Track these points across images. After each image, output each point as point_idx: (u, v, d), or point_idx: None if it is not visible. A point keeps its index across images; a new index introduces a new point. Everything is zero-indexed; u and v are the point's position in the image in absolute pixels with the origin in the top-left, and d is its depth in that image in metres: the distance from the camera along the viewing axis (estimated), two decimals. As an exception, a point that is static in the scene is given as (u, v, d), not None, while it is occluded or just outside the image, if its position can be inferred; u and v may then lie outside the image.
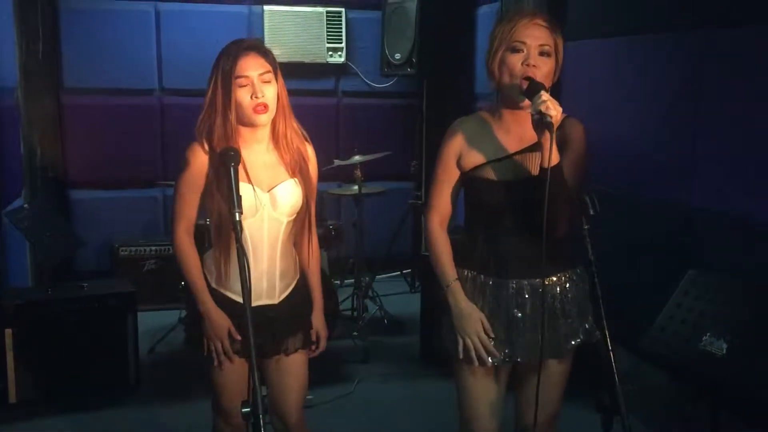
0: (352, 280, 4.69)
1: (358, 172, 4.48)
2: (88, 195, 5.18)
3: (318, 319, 2.33)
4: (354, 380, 3.86)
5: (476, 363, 2.04)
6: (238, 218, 1.83)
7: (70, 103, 5.08)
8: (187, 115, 5.72)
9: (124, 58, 5.09)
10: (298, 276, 2.29)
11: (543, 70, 1.97)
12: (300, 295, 2.28)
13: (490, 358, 2.05)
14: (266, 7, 5.28)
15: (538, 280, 2.03)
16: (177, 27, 5.18)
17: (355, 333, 4.29)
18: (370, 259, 4.99)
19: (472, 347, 2.03)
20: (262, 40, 2.21)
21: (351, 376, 3.91)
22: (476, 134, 2.08)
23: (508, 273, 2.06)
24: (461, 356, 2.07)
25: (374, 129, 5.55)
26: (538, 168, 1.95)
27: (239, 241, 1.79)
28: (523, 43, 1.96)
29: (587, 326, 2.12)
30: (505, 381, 2.18)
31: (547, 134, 1.85)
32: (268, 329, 2.19)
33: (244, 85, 2.06)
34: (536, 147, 1.97)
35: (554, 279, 2.08)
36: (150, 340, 4.20)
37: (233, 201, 1.85)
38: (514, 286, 2.06)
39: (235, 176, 1.91)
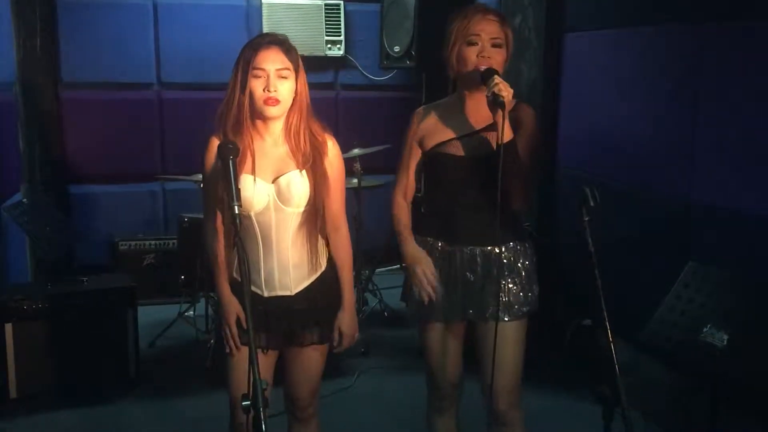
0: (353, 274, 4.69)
1: (357, 165, 4.48)
2: (87, 189, 5.17)
3: (346, 318, 2.31)
4: (354, 373, 3.87)
5: (425, 299, 2.28)
6: (237, 211, 1.83)
7: (69, 97, 5.06)
8: (186, 109, 5.74)
9: (122, 52, 5.07)
10: (322, 269, 2.28)
11: (497, 59, 2.21)
12: (320, 289, 2.27)
13: (435, 296, 2.29)
14: (264, 0, 5.26)
15: (489, 247, 2.29)
16: (175, 21, 5.16)
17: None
18: (369, 252, 4.99)
19: (423, 278, 2.27)
20: (285, 37, 2.22)
21: (351, 369, 3.92)
22: (439, 117, 2.34)
23: (463, 240, 2.30)
24: (417, 296, 2.31)
25: (373, 122, 5.53)
26: (495, 145, 2.17)
27: (238, 233, 1.79)
28: (478, 36, 2.21)
29: (532, 295, 2.34)
30: (461, 338, 2.43)
31: (500, 112, 2.08)
32: (285, 320, 2.21)
33: (259, 77, 2.10)
34: (493, 126, 2.19)
35: (504, 248, 2.30)
36: (150, 334, 4.20)
37: (232, 193, 1.86)
38: (468, 252, 2.30)
39: (234, 169, 1.92)
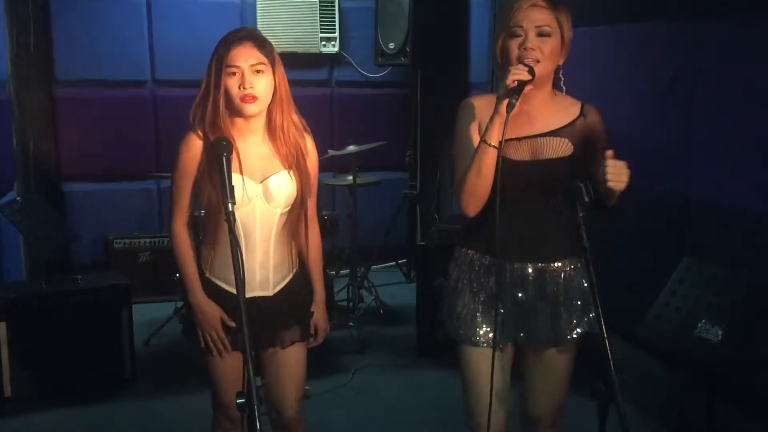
0: (348, 271, 4.69)
1: (352, 163, 4.47)
2: (81, 188, 5.16)
3: (319, 313, 2.32)
4: (350, 371, 3.86)
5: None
6: (231, 209, 1.81)
7: (63, 95, 5.04)
8: (181, 107, 5.69)
9: (116, 49, 5.06)
10: (296, 269, 2.27)
11: (544, 49, 1.94)
12: (297, 287, 2.27)
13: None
14: (259, -3, 5.25)
15: (540, 264, 2.04)
16: (169, 17, 5.15)
17: (351, 324, 4.29)
18: (365, 250, 4.99)
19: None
20: (258, 31, 2.17)
21: (347, 366, 3.91)
22: (488, 114, 1.99)
23: (511, 255, 2.03)
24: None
25: (368, 119, 5.53)
26: (554, 152, 1.99)
27: (232, 231, 1.77)
28: (521, 26, 1.94)
29: (589, 318, 2.09)
30: (509, 368, 2.15)
31: (505, 102, 1.86)
32: (263, 321, 2.17)
33: (234, 74, 2.06)
34: (559, 132, 2.01)
35: (558, 265, 2.06)
36: (145, 332, 4.19)
37: (225, 191, 1.84)
38: (517, 268, 2.05)
39: (228, 166, 1.89)
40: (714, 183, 3.02)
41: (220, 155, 1.90)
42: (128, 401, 3.54)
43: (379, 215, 5.28)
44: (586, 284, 2.06)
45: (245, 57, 2.06)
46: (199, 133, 2.11)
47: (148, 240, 4.92)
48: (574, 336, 2.08)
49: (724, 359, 2.36)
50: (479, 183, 1.93)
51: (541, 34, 1.94)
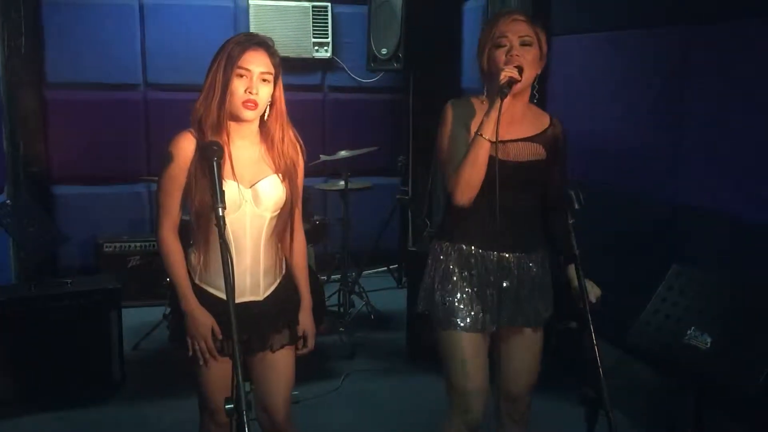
0: (339, 276, 4.68)
1: (344, 168, 4.47)
2: (72, 191, 5.14)
3: (306, 317, 2.32)
4: (341, 376, 3.86)
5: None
6: (221, 213, 1.81)
7: (54, 98, 5.02)
8: (172, 110, 5.69)
9: (108, 52, 5.04)
10: (284, 273, 2.28)
11: (527, 57, 2.17)
12: (286, 291, 2.27)
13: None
14: (252, 2, 5.25)
15: (520, 254, 2.27)
16: (161, 21, 5.14)
17: (341, 329, 4.29)
18: (356, 255, 4.99)
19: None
20: (272, 41, 2.19)
21: (338, 371, 3.91)
22: (474, 115, 2.24)
23: (497, 246, 2.23)
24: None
25: (361, 124, 5.53)
26: (531, 155, 2.23)
27: (222, 236, 1.77)
28: (505, 37, 2.17)
29: (550, 302, 2.37)
30: (486, 348, 2.34)
31: (498, 101, 2.09)
32: (253, 326, 2.17)
33: (243, 77, 2.06)
34: (535, 138, 2.25)
35: (535, 255, 2.30)
36: (135, 336, 4.17)
37: (216, 196, 1.83)
38: (502, 258, 2.25)
39: (219, 171, 1.89)
40: (702, 189, 3.04)
41: (211, 160, 1.90)
42: (117, 405, 3.52)
43: (371, 220, 5.28)
44: (547, 273, 2.33)
45: (257, 63, 2.07)
46: (195, 132, 2.10)
47: (138, 244, 4.90)
48: (545, 317, 2.34)
49: (712, 366, 2.37)
50: (474, 174, 2.14)
51: (523, 44, 2.18)
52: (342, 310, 4.53)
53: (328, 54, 5.46)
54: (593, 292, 2.20)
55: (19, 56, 4.73)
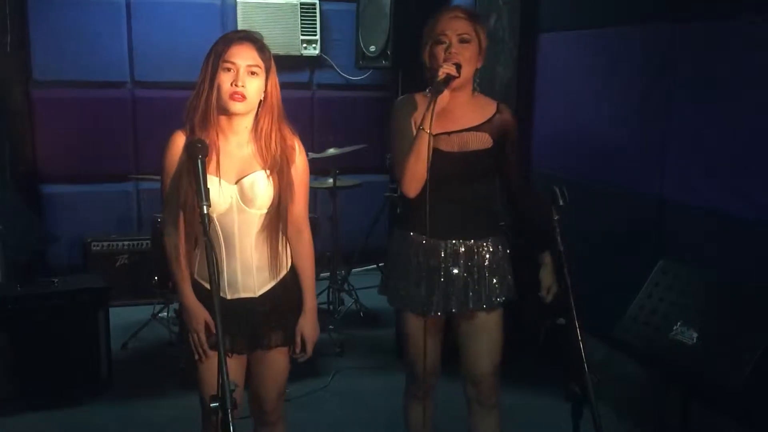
0: (328, 274, 4.68)
1: (333, 165, 4.47)
2: (59, 189, 5.10)
3: (307, 322, 2.27)
4: (330, 373, 3.86)
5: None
6: (205, 211, 1.80)
7: (40, 96, 4.99)
8: (160, 108, 5.68)
9: (95, 50, 5.01)
10: (284, 272, 2.26)
11: (465, 54, 2.26)
12: (284, 291, 2.25)
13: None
14: (239, -1, 5.23)
15: (470, 241, 2.36)
16: (148, 18, 5.11)
17: (330, 326, 4.28)
18: (345, 253, 4.98)
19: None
20: (260, 35, 2.19)
21: (327, 369, 3.91)
22: (417, 109, 2.34)
23: (446, 234, 2.34)
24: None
25: (349, 122, 5.53)
26: (477, 144, 2.32)
27: (207, 233, 1.77)
28: (445, 34, 2.27)
29: (508, 285, 2.43)
30: (441, 329, 2.48)
31: (435, 100, 2.19)
32: (247, 322, 2.18)
33: (229, 71, 2.07)
34: (480, 127, 2.34)
35: (485, 242, 2.38)
36: (123, 335, 4.15)
37: (200, 193, 1.83)
38: (450, 245, 2.35)
39: (203, 168, 1.88)
40: (689, 185, 3.05)
41: (195, 157, 1.89)
42: (105, 404, 3.50)
43: (360, 218, 5.27)
44: (502, 257, 2.42)
45: (243, 56, 2.07)
46: (186, 131, 2.11)
47: (126, 243, 4.88)
48: (500, 300, 2.41)
49: (699, 361, 2.39)
50: (418, 167, 2.23)
51: (462, 41, 2.27)
52: (331, 308, 4.53)
53: (317, 51, 5.45)
54: (550, 288, 2.36)
55: (5, 54, 4.69)
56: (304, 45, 5.39)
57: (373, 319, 4.64)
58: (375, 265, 5.60)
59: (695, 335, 2.42)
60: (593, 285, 2.30)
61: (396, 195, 5.43)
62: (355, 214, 5.26)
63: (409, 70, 5.12)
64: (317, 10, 5.40)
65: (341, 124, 5.46)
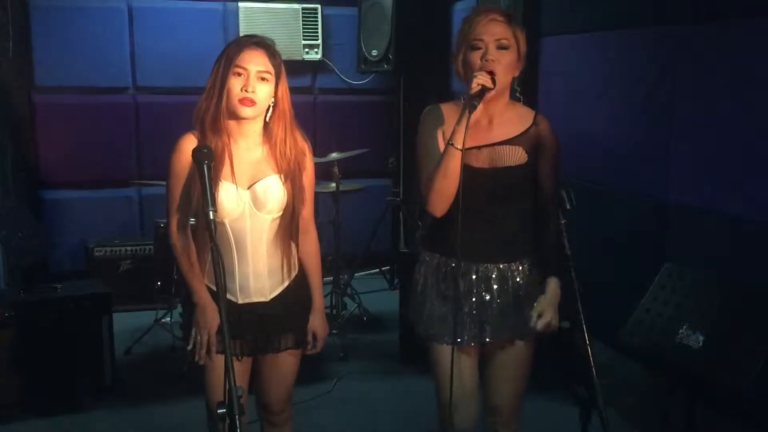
0: (331, 278, 4.68)
1: (335, 170, 4.47)
2: (61, 195, 5.10)
3: (317, 320, 2.31)
4: (334, 378, 3.85)
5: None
6: (212, 217, 1.80)
7: (42, 101, 4.99)
8: (162, 113, 5.68)
9: (97, 55, 5.01)
10: (294, 274, 2.27)
11: (502, 62, 2.05)
12: (294, 293, 2.26)
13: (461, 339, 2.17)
14: (241, 4, 5.23)
15: (503, 265, 2.16)
16: (150, 24, 5.11)
17: (334, 331, 4.27)
18: (348, 257, 4.98)
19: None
20: (273, 41, 2.18)
21: (330, 374, 3.90)
22: (448, 121, 2.13)
23: (476, 257, 2.15)
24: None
25: (351, 126, 5.52)
26: (511, 160, 2.10)
27: (213, 239, 1.76)
28: (481, 40, 2.06)
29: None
30: (476, 364, 2.28)
31: (467, 113, 1.97)
32: (259, 326, 2.19)
33: (240, 75, 2.07)
34: (514, 140, 2.12)
35: (519, 265, 2.19)
36: (126, 341, 4.15)
37: (207, 199, 1.83)
38: (482, 269, 2.16)
39: (209, 174, 1.88)
40: (693, 188, 3.05)
41: (201, 163, 1.89)
42: (109, 410, 3.49)
43: (362, 222, 5.27)
44: (537, 281, 2.18)
45: (254, 61, 2.07)
46: (197, 133, 2.11)
47: (129, 248, 4.87)
48: (534, 331, 2.15)
49: (704, 365, 2.38)
50: (445, 184, 2.04)
51: (500, 47, 2.06)
52: (334, 312, 4.52)
53: (319, 56, 5.46)
54: (543, 316, 2.08)
55: (7, 59, 4.69)
56: (306, 49, 5.40)
57: (377, 323, 4.64)
58: (378, 269, 5.60)
59: (701, 338, 2.41)
60: (598, 288, 2.28)
61: (398, 199, 5.46)
62: (358, 219, 5.26)
63: (411, 74, 5.14)
64: (319, 15, 5.40)
65: (343, 129, 5.46)
